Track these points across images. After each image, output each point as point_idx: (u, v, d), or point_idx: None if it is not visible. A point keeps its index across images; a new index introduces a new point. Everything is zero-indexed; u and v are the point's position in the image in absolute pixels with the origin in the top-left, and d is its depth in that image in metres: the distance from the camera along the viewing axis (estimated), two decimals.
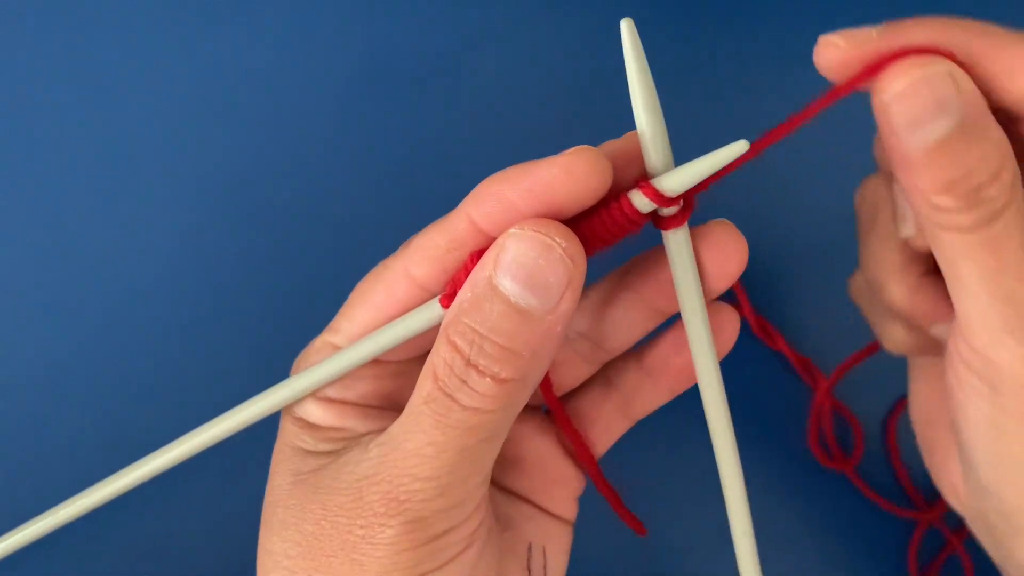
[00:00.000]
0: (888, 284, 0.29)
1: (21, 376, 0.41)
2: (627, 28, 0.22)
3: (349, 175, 0.43)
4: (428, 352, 0.26)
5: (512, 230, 0.22)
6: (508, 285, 0.22)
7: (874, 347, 0.40)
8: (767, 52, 0.46)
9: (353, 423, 0.27)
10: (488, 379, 0.22)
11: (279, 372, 0.29)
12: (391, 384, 0.28)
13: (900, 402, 0.43)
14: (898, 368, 0.44)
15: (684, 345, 0.27)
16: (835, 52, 0.23)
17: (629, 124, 0.44)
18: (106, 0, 0.44)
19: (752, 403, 0.44)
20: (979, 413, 0.24)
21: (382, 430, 0.26)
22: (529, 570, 0.29)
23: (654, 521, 0.33)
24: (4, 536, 0.34)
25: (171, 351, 0.42)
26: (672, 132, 0.24)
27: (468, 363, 0.22)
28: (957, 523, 0.43)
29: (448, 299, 0.24)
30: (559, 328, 0.23)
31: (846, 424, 0.44)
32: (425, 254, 0.25)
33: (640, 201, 0.23)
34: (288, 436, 0.27)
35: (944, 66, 0.22)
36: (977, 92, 0.22)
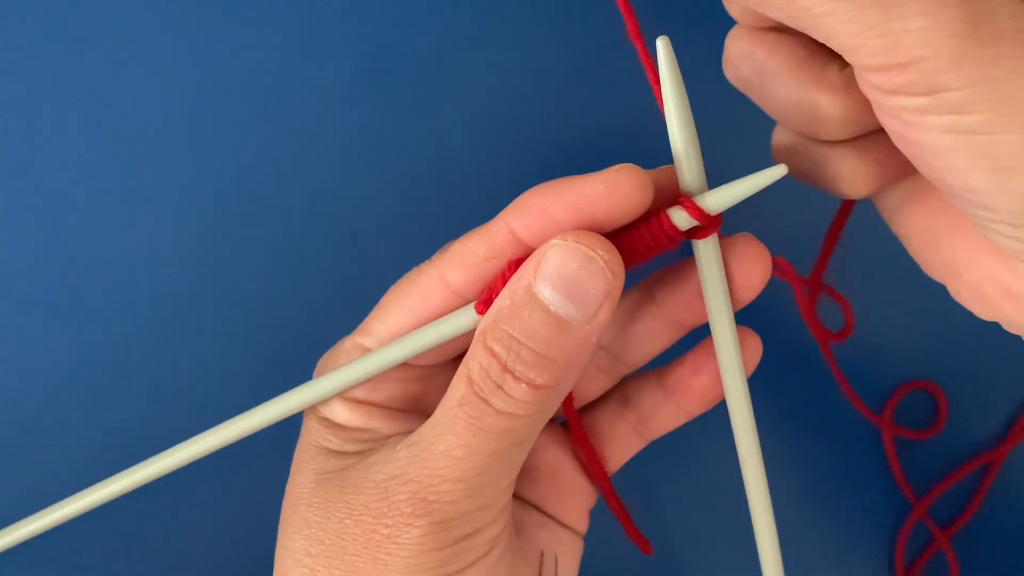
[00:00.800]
0: (817, 103, 0.24)
1: (33, 378, 0.41)
2: (663, 47, 0.23)
3: (356, 175, 0.44)
4: (457, 358, 0.26)
5: (554, 240, 0.23)
6: (548, 294, 0.23)
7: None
8: None
9: (379, 424, 0.27)
10: (523, 385, 0.23)
11: (285, 373, 0.29)
12: (419, 388, 0.28)
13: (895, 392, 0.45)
14: (895, 361, 0.46)
15: (703, 366, 0.28)
16: None
17: (630, 121, 0.45)
18: (108, 1, 0.43)
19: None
20: (938, 130, 0.20)
21: (407, 432, 0.26)
22: None
23: (664, 536, 0.34)
24: (24, 521, 0.34)
25: (185, 355, 0.42)
26: None
27: (504, 368, 0.23)
28: (944, 519, 0.44)
29: (484, 305, 0.24)
30: (595, 338, 0.23)
31: None
32: (463, 261, 0.25)
33: (679, 218, 0.23)
34: (313, 436, 0.28)
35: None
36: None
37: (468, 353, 0.24)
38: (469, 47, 0.45)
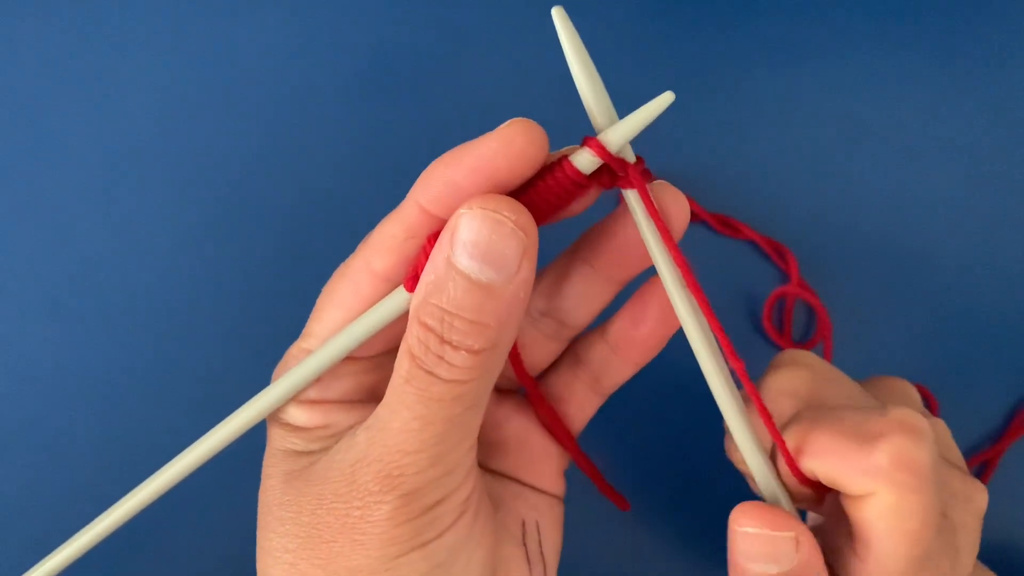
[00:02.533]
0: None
1: (34, 378, 0.41)
2: (559, 17, 0.24)
3: (349, 175, 0.44)
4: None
5: (462, 210, 0.23)
6: (466, 263, 0.23)
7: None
8: (756, 48, 0.49)
9: (339, 418, 0.27)
10: (463, 352, 0.23)
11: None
12: (370, 378, 0.28)
13: None
14: (886, 363, 0.46)
15: (640, 317, 0.28)
16: None
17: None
18: (108, 1, 0.45)
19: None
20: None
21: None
22: (525, 547, 0.29)
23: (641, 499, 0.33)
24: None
25: (170, 349, 0.42)
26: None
27: (442, 340, 0.23)
28: None
29: (411, 282, 0.25)
30: (522, 295, 0.24)
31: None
32: (383, 245, 0.26)
33: (583, 160, 0.24)
34: (277, 441, 0.28)
35: (791, 532, 0.26)
36: (814, 553, 0.26)
37: (406, 331, 0.24)
38: (468, 48, 0.46)
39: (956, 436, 0.45)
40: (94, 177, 0.43)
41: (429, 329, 0.23)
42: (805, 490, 0.28)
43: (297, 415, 0.27)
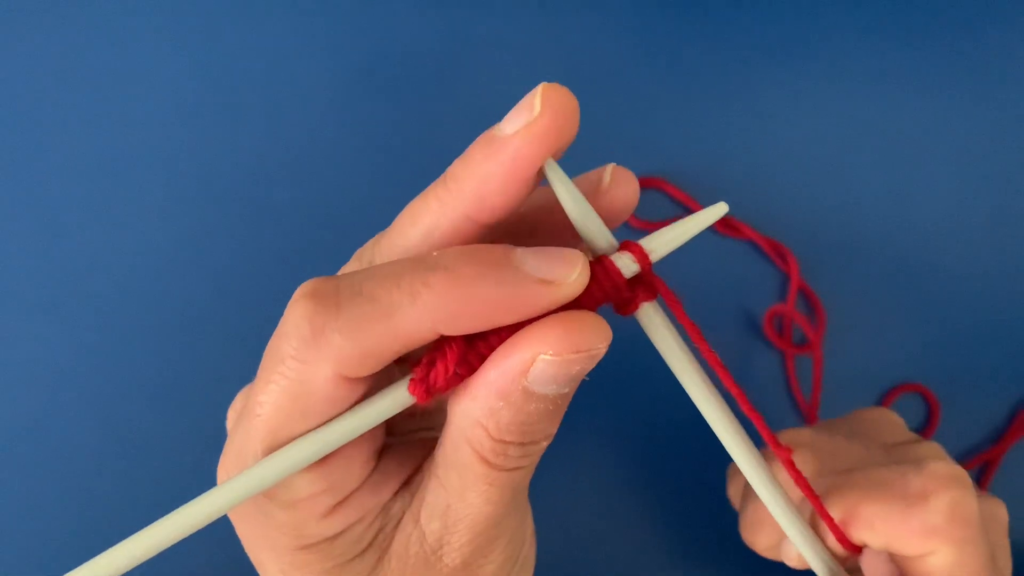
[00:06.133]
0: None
1: (34, 378, 0.42)
2: (551, 169, 0.22)
3: (350, 176, 0.44)
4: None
5: (546, 357, 0.21)
6: (552, 388, 0.22)
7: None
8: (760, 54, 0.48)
9: (367, 503, 0.25)
10: (543, 442, 0.24)
11: None
12: (358, 450, 0.25)
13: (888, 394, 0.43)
14: (888, 364, 0.44)
15: None
16: None
17: (622, 122, 0.47)
18: (108, 2, 0.45)
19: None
20: None
21: (395, 491, 0.26)
22: None
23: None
24: None
25: (170, 350, 0.42)
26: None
27: (523, 444, 0.23)
28: None
29: (419, 386, 0.22)
30: None
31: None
32: (373, 364, 0.22)
33: (624, 264, 0.21)
34: (316, 564, 0.25)
35: None
36: None
37: (460, 435, 0.23)
38: (466, 49, 0.46)
39: (957, 437, 0.45)
40: (94, 177, 0.43)
41: (511, 443, 0.23)
42: (849, 557, 0.29)
43: (329, 526, 0.25)
